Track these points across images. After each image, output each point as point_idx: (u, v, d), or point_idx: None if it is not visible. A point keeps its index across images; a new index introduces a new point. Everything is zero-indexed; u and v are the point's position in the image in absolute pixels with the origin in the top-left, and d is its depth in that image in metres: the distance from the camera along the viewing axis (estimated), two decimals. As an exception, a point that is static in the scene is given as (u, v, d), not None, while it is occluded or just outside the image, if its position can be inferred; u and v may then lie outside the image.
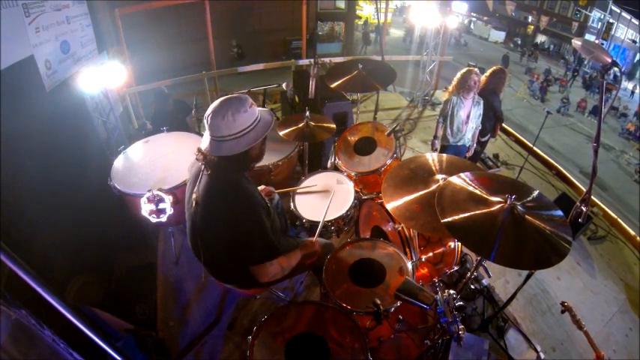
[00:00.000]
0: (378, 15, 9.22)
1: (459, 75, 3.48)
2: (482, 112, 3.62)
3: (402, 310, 1.90)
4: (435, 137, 3.67)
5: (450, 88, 3.58)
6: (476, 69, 3.50)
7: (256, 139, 1.60)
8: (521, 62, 19.92)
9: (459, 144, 3.64)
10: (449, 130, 3.58)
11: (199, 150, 1.63)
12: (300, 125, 2.78)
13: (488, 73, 3.91)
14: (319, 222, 2.16)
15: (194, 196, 1.67)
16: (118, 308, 2.61)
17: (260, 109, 1.67)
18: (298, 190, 2.71)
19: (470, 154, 3.78)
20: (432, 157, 2.34)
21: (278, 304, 2.48)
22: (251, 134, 1.58)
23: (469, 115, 3.50)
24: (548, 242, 1.60)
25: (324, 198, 2.65)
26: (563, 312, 2.11)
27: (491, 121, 4.00)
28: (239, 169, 1.67)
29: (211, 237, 1.70)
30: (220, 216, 1.61)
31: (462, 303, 1.47)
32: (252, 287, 2.01)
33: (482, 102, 3.58)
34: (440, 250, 2.45)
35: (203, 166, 1.64)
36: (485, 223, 1.65)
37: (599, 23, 21.99)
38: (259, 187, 2.12)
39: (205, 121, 1.58)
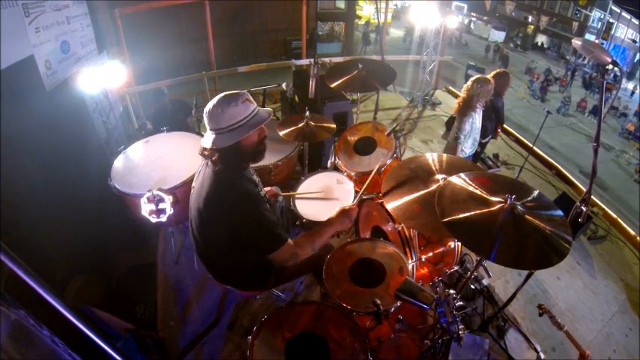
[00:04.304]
0: (378, 15, 9.21)
1: (477, 86, 3.11)
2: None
3: (402, 310, 1.90)
4: None
5: (463, 101, 3.20)
6: (487, 76, 3.35)
7: (240, 136, 1.56)
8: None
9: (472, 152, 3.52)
10: (467, 144, 3.34)
11: (201, 145, 1.67)
12: (300, 125, 2.78)
13: (491, 75, 3.86)
14: (320, 221, 2.15)
15: (193, 184, 1.79)
16: (118, 308, 2.60)
17: (259, 108, 1.66)
18: (302, 196, 2.66)
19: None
20: (432, 157, 2.33)
21: (278, 304, 2.48)
22: (240, 130, 1.56)
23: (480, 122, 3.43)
24: (548, 242, 1.60)
25: (324, 199, 2.64)
26: (540, 315, 2.11)
27: (493, 122, 3.99)
28: (233, 166, 1.65)
29: (207, 229, 1.73)
30: (213, 205, 1.63)
31: (461, 303, 1.48)
32: (251, 289, 2.01)
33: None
34: (440, 250, 2.45)
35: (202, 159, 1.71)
36: (485, 223, 1.65)
37: (599, 23, 21.98)
38: (266, 188, 2.11)
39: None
